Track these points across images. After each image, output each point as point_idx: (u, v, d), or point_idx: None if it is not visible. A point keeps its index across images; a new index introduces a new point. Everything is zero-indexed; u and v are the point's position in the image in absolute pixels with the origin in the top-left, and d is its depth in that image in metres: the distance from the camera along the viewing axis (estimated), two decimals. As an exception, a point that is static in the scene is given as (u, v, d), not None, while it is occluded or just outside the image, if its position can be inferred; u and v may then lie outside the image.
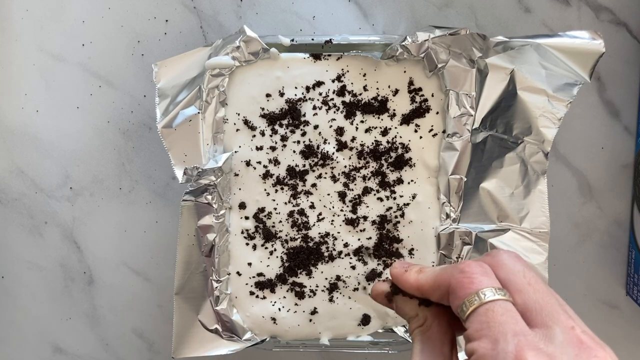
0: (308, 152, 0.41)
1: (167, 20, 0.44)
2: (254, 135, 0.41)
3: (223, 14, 0.44)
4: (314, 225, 0.41)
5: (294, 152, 0.41)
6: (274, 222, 0.41)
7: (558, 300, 0.26)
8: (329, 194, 0.41)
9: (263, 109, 0.41)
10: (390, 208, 0.41)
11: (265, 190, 0.41)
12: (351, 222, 0.41)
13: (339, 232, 0.41)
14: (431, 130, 0.41)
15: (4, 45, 0.45)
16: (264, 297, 0.42)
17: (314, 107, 0.41)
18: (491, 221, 0.40)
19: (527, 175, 0.39)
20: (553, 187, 0.44)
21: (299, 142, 0.41)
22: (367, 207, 0.41)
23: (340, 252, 0.41)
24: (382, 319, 0.42)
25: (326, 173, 0.41)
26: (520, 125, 0.39)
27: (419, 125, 0.41)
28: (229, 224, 0.42)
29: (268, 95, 0.41)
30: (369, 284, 0.41)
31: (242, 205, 0.41)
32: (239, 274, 0.42)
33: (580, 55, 0.37)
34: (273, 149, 0.41)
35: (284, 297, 0.42)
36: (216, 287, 0.40)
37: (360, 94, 0.41)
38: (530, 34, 0.38)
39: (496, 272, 0.27)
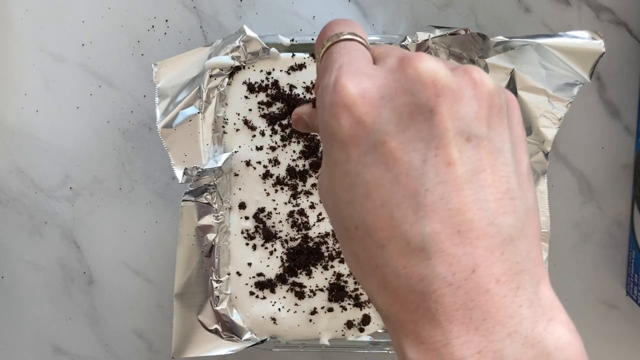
0: (308, 152, 0.41)
1: (167, 20, 0.44)
2: (254, 135, 0.41)
3: (223, 14, 0.44)
4: (314, 225, 0.41)
5: (294, 152, 0.41)
6: (274, 222, 0.41)
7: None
8: (329, 194, 0.41)
9: (263, 108, 0.41)
10: (390, 208, 0.41)
11: (265, 190, 0.41)
12: (351, 222, 0.41)
13: (339, 232, 0.41)
14: (431, 130, 0.41)
15: (4, 45, 0.45)
16: (264, 297, 0.42)
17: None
18: (491, 221, 0.40)
19: (527, 175, 0.39)
20: (553, 187, 0.44)
21: (298, 142, 0.41)
22: (367, 207, 0.41)
23: (340, 252, 0.41)
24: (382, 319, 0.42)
25: (326, 173, 0.41)
26: (520, 125, 0.39)
27: (419, 125, 0.41)
28: (229, 224, 0.42)
29: (268, 95, 0.41)
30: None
31: (242, 205, 0.41)
32: (239, 274, 0.42)
33: (581, 55, 0.37)
34: (273, 149, 0.41)
35: (284, 297, 0.42)
36: (216, 287, 0.40)
37: (360, 94, 0.40)
38: (530, 34, 0.38)
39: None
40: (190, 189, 0.40)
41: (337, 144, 0.21)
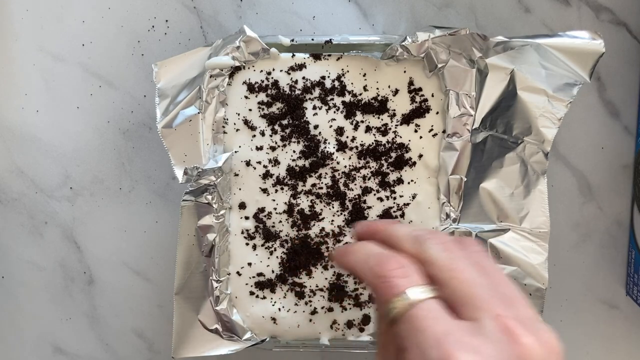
0: (308, 152, 0.41)
1: (167, 20, 0.44)
2: (254, 135, 0.41)
3: (223, 14, 0.44)
4: (314, 225, 0.41)
5: (294, 152, 0.41)
6: (274, 222, 0.41)
7: (493, 283, 0.26)
8: (329, 194, 0.41)
9: (263, 109, 0.41)
10: (391, 208, 0.41)
11: (265, 190, 0.41)
12: (351, 222, 0.41)
13: (339, 232, 0.41)
14: (431, 130, 0.41)
15: (4, 45, 0.45)
16: (264, 297, 0.42)
17: (314, 107, 0.41)
18: (491, 221, 0.40)
19: (527, 175, 0.39)
20: (553, 187, 0.44)
21: (299, 142, 0.41)
22: (367, 207, 0.41)
23: (340, 252, 0.41)
24: (382, 319, 0.42)
25: (326, 173, 0.41)
26: (520, 125, 0.39)
27: (419, 125, 0.41)
28: (229, 224, 0.42)
29: (268, 95, 0.41)
30: (369, 284, 0.41)
31: (242, 205, 0.41)
32: (239, 274, 0.42)
33: (580, 55, 0.37)
34: (273, 149, 0.41)
35: (284, 297, 0.42)
36: (216, 287, 0.40)
37: (360, 94, 0.41)
38: (530, 34, 0.38)
39: (423, 266, 0.27)
40: (190, 189, 0.40)
41: None
